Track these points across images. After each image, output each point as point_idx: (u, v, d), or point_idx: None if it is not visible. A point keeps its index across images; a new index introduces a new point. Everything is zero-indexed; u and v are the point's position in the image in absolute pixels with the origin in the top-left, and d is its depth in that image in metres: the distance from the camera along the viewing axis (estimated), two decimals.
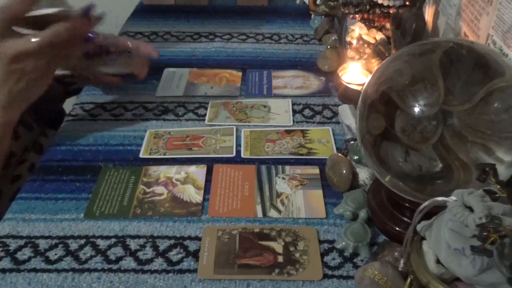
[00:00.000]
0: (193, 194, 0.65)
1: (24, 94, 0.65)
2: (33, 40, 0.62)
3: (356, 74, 0.83)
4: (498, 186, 0.41)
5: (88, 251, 0.57)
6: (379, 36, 0.82)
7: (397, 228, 0.57)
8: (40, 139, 0.79)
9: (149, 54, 0.83)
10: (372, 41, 0.82)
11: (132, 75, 0.84)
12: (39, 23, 0.63)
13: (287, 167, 0.69)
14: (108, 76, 0.83)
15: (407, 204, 0.56)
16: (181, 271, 0.55)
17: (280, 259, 0.56)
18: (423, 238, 0.46)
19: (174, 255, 0.57)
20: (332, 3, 0.90)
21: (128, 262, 0.56)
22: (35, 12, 0.63)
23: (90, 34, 0.70)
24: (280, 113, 0.81)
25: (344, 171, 0.63)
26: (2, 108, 0.64)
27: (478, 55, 0.51)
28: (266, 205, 0.63)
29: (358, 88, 0.80)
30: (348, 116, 0.75)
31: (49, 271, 0.55)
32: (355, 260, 0.56)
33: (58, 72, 0.82)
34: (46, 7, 0.65)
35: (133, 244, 0.58)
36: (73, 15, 0.65)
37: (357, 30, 0.82)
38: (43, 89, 0.68)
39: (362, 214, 0.60)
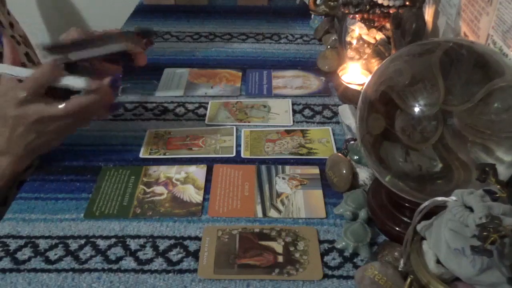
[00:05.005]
0: (193, 194, 0.65)
1: (39, 148, 0.67)
2: (59, 107, 0.63)
3: (356, 74, 0.83)
4: (498, 186, 0.41)
5: (88, 251, 0.57)
6: (379, 36, 0.82)
7: (397, 228, 0.57)
8: None
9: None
10: (372, 41, 0.82)
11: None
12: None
13: (287, 167, 0.69)
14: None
15: (407, 204, 0.56)
16: (181, 271, 0.55)
17: (280, 259, 0.56)
18: (423, 238, 0.46)
19: (174, 255, 0.57)
20: (332, 3, 0.90)
21: (128, 262, 0.56)
22: (62, 83, 0.64)
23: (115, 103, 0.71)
24: (280, 113, 0.81)
25: (344, 171, 0.63)
26: (15, 160, 0.66)
27: (478, 55, 0.51)
28: (266, 205, 0.63)
29: (358, 88, 0.80)
30: (348, 116, 0.75)
31: (49, 271, 0.55)
32: (355, 260, 0.56)
33: None
34: (71, 76, 0.65)
35: (133, 244, 0.58)
36: (100, 86, 0.65)
37: (357, 30, 0.82)
38: (58, 143, 0.70)
39: (362, 214, 0.60)
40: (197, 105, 0.83)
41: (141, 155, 0.72)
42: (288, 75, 0.92)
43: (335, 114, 0.81)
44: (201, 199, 0.64)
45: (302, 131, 0.77)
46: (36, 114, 0.63)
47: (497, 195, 0.41)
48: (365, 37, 0.82)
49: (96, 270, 0.55)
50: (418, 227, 0.46)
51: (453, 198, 0.42)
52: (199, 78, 0.91)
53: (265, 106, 0.83)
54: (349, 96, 0.81)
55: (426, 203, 0.44)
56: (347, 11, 0.81)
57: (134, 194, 0.65)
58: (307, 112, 0.82)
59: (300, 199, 0.64)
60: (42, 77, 0.63)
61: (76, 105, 0.64)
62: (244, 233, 0.59)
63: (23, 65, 0.77)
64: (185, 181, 0.67)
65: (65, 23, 1.65)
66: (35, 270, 0.55)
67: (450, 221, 0.41)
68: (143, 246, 0.58)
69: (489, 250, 0.37)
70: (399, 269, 0.50)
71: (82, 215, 0.62)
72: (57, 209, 0.63)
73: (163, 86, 0.88)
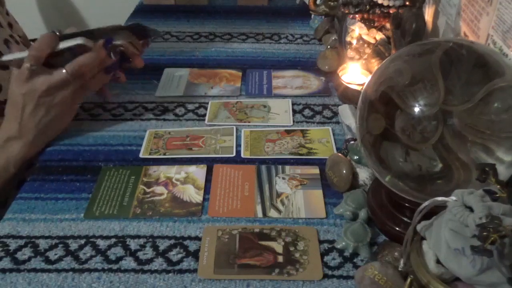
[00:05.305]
0: (193, 194, 0.65)
1: (50, 127, 0.70)
2: (62, 72, 0.67)
3: (356, 74, 0.83)
4: (498, 186, 0.41)
5: (88, 251, 0.57)
6: (379, 36, 0.82)
7: (397, 228, 0.57)
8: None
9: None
10: (372, 41, 0.82)
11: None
12: (59, 57, 0.69)
13: (287, 167, 0.69)
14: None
15: (407, 204, 0.56)
16: (181, 271, 0.55)
17: (280, 259, 0.56)
18: (423, 238, 0.46)
19: (174, 255, 0.57)
20: (332, 3, 0.90)
21: (128, 262, 0.56)
22: (61, 46, 0.69)
23: (110, 64, 0.74)
24: (280, 113, 0.81)
25: (344, 171, 0.63)
26: (28, 144, 0.69)
27: (478, 55, 0.51)
28: (266, 205, 0.63)
29: (358, 88, 0.80)
30: (348, 116, 0.75)
31: (49, 271, 0.55)
32: (355, 260, 0.56)
33: None
34: (67, 40, 0.70)
35: (133, 244, 0.58)
36: (95, 47, 0.70)
37: (357, 30, 0.82)
38: (66, 123, 0.74)
39: (362, 214, 0.60)
40: (197, 105, 0.83)
41: (141, 155, 0.72)
42: (288, 75, 0.92)
43: (335, 114, 0.81)
44: (201, 199, 0.64)
45: (302, 131, 0.77)
46: (43, 84, 0.67)
47: (497, 195, 0.41)
48: (365, 37, 0.82)
49: (96, 270, 0.55)
50: (418, 227, 0.46)
51: (453, 198, 0.42)
52: (199, 78, 0.91)
53: (265, 106, 0.83)
54: (349, 96, 0.81)
55: (426, 203, 0.44)
56: (347, 11, 0.81)
57: (134, 194, 0.65)
58: (307, 112, 0.82)
59: (300, 199, 0.64)
60: (41, 44, 0.67)
61: (76, 65, 0.68)
62: (244, 233, 0.59)
63: None
64: (185, 181, 0.67)
65: (65, 23, 1.66)
66: (35, 270, 0.55)
67: (450, 221, 0.41)
68: (143, 246, 0.58)
69: (489, 250, 0.37)
70: (399, 269, 0.50)
71: (82, 215, 0.62)
72: (57, 209, 0.63)
73: (163, 86, 0.88)
